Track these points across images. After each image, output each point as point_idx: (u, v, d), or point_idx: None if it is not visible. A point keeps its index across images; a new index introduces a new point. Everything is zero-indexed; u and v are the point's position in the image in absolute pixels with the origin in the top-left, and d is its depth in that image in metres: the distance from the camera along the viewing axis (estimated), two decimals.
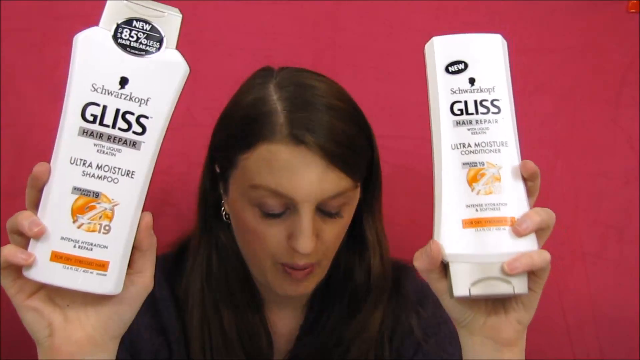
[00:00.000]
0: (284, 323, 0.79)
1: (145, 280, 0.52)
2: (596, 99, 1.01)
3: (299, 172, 0.63)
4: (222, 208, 0.74)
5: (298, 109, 0.65)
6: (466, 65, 0.52)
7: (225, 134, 0.70)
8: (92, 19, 0.92)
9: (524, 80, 1.01)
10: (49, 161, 0.48)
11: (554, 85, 1.01)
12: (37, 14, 0.92)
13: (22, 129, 0.92)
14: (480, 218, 0.51)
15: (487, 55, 0.53)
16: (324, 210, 0.67)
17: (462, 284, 0.51)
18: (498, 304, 0.56)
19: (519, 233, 0.51)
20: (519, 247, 0.51)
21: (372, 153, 0.71)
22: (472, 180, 0.52)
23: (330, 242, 0.69)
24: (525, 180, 0.53)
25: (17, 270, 0.48)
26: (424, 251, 0.53)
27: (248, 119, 0.66)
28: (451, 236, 0.52)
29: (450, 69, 0.53)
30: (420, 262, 0.54)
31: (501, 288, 0.51)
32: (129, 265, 0.50)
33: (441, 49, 0.53)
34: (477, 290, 0.51)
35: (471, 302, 0.55)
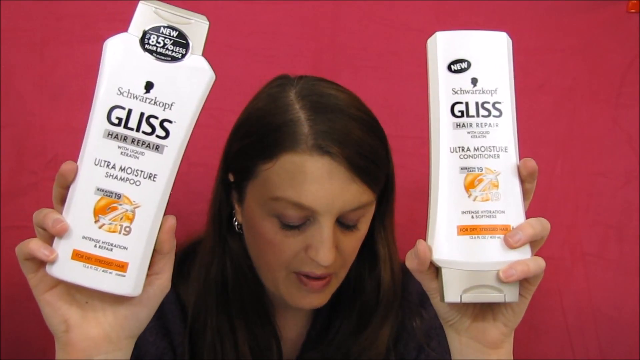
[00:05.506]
0: (292, 327, 0.79)
1: (164, 282, 0.52)
2: (596, 99, 1.01)
3: (322, 184, 0.62)
4: (234, 217, 0.73)
5: (322, 119, 0.63)
6: (469, 64, 0.51)
7: (243, 142, 0.68)
8: (92, 19, 0.93)
9: (524, 80, 1.00)
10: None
11: (554, 85, 1.01)
12: (37, 14, 0.92)
13: (22, 129, 0.92)
14: (476, 225, 0.51)
15: (491, 55, 0.52)
16: (342, 223, 0.66)
17: (453, 290, 0.51)
18: (486, 307, 0.56)
19: (510, 245, 0.51)
20: (512, 256, 0.51)
21: (390, 166, 0.70)
22: (469, 186, 0.51)
23: (348, 254, 0.69)
24: (522, 182, 0.52)
25: (38, 262, 0.49)
26: (413, 251, 0.53)
27: (269, 127, 0.65)
28: (445, 242, 0.51)
29: (452, 67, 0.52)
30: (410, 262, 0.54)
31: (493, 296, 0.51)
32: (148, 267, 0.50)
33: (444, 45, 0.52)
34: (468, 298, 0.51)
35: (460, 305, 0.55)
